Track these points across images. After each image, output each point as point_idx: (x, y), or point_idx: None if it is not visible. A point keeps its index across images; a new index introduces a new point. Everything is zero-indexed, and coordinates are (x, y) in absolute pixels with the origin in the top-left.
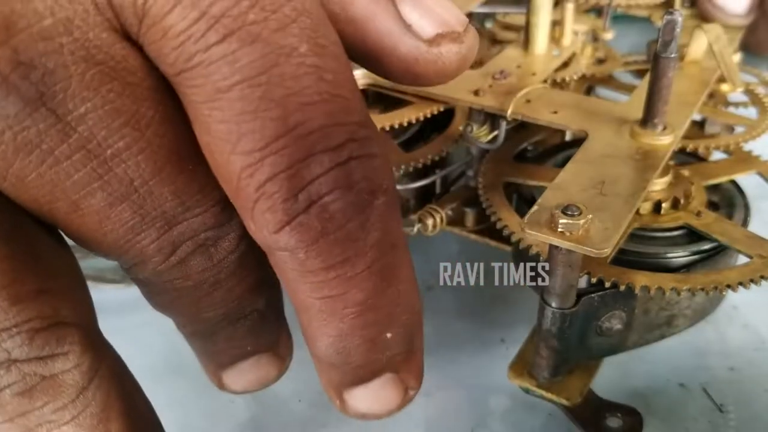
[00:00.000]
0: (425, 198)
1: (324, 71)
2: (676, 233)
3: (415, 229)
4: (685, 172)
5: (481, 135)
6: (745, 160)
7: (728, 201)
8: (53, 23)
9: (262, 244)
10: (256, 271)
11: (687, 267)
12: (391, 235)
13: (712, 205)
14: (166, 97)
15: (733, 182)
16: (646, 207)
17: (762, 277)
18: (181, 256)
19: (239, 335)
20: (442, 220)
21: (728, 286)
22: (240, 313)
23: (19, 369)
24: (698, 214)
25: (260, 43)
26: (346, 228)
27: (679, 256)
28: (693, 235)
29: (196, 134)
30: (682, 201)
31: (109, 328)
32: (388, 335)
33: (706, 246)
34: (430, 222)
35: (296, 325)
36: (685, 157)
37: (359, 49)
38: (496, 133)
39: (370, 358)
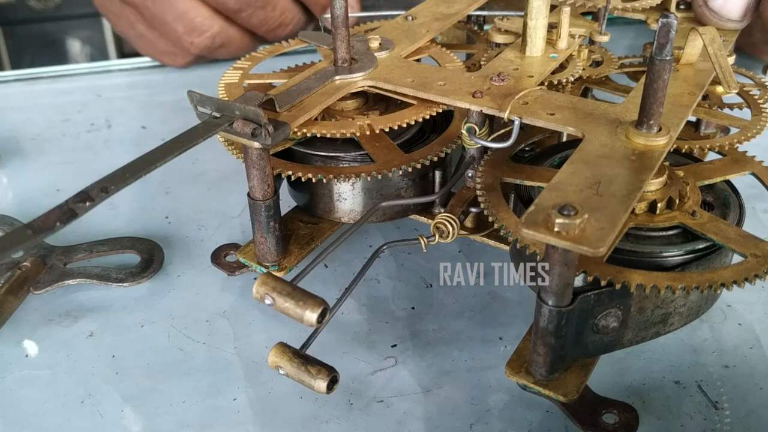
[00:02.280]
0: (424, 198)
1: None
2: (671, 233)
3: (436, 239)
4: (680, 173)
5: (483, 136)
6: (739, 160)
7: (723, 201)
8: None
9: None
10: None
11: (682, 266)
12: None
13: (707, 205)
14: None
15: (728, 182)
16: (641, 207)
17: (756, 276)
18: None
19: None
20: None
21: (723, 285)
22: None
23: None
24: (693, 213)
25: None
26: None
27: (674, 255)
28: (688, 235)
29: None
30: (677, 201)
31: (113, 326)
32: None
33: (701, 245)
34: (448, 230)
35: (292, 324)
36: (680, 157)
37: None
38: (497, 133)
39: None
